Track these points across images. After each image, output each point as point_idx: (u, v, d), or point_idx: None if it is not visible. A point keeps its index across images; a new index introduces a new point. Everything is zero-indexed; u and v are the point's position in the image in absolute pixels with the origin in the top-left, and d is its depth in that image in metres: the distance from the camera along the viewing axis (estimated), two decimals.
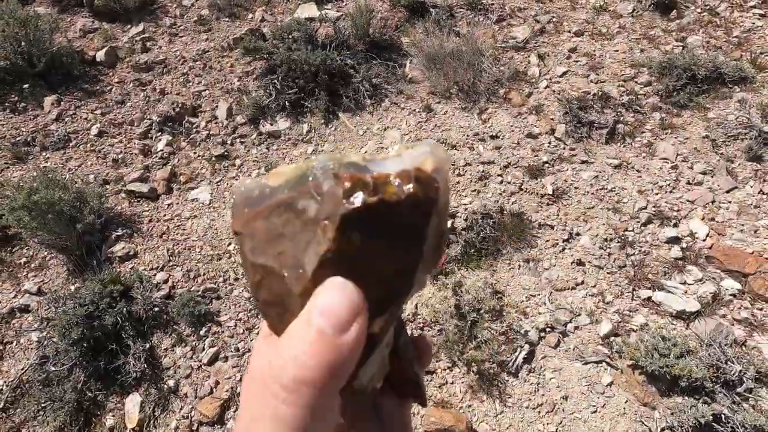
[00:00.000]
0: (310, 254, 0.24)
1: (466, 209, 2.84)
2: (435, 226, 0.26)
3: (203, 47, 3.95)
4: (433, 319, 2.39)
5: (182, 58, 3.87)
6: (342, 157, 0.25)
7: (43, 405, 2.12)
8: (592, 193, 2.93)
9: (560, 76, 3.61)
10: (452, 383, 2.23)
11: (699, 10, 4.06)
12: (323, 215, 0.24)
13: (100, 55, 3.79)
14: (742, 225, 2.70)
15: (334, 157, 0.26)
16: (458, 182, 3.02)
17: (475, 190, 2.95)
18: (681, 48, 3.74)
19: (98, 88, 3.64)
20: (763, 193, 2.82)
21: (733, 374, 2.03)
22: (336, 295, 0.24)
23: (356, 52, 3.74)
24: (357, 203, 0.24)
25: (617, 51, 3.79)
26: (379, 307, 0.25)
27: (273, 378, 0.23)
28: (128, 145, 3.32)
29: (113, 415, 2.14)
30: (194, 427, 2.08)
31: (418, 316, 2.42)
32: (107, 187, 3.04)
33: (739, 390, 2.02)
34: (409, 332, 0.35)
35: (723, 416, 1.94)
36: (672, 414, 2.00)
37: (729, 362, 2.05)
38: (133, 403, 2.13)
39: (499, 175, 3.04)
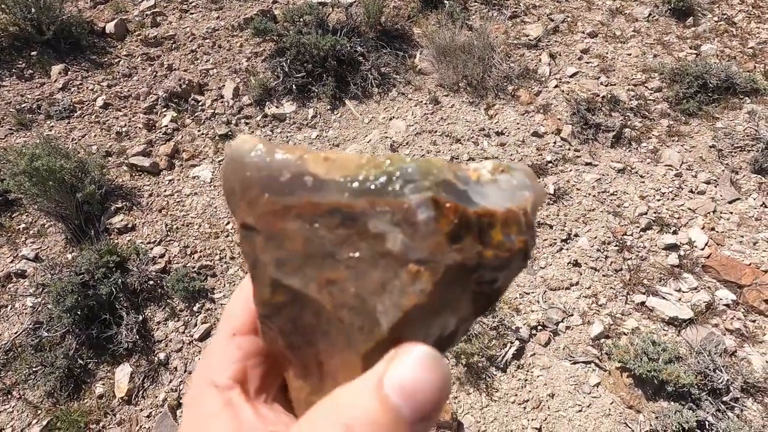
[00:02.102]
0: (387, 302, 0.19)
1: None
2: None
3: (213, 25, 3.92)
4: None
5: (192, 35, 3.85)
6: (432, 167, 0.19)
7: (34, 369, 2.14)
8: (594, 196, 2.92)
9: (570, 77, 3.58)
10: None
11: (716, 19, 4.01)
12: (415, 256, 0.19)
13: (110, 27, 3.77)
14: (742, 236, 2.69)
15: (424, 167, 0.19)
16: None
17: None
18: (695, 56, 3.70)
19: (106, 60, 3.63)
20: (766, 206, 2.81)
21: (721, 383, 2.03)
22: (425, 375, 0.18)
23: (367, 39, 3.71)
24: (467, 256, 0.19)
25: (630, 55, 3.75)
26: None
27: None
28: (133, 119, 3.32)
29: (103, 384, 2.16)
30: (182, 400, 2.10)
31: None
32: (109, 159, 3.04)
33: (725, 399, 2.03)
34: None
35: (707, 423, 1.95)
36: (656, 418, 2.01)
37: (717, 371, 2.06)
38: (123, 373, 2.15)
39: None
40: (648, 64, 3.64)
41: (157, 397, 2.12)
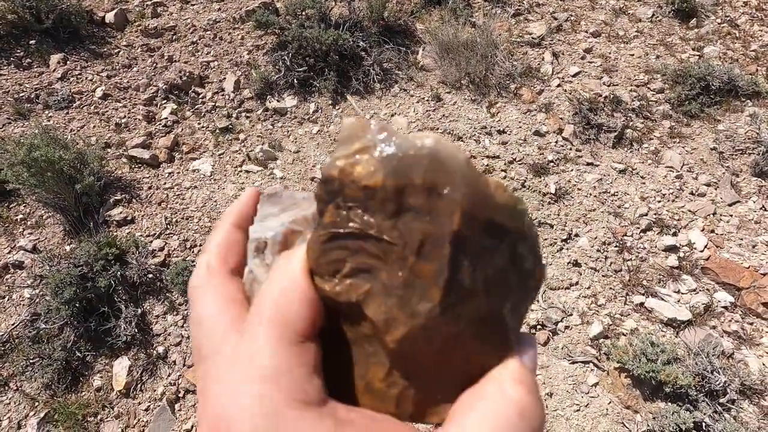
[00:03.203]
0: (523, 308, 0.25)
1: None
2: None
3: (215, 17, 3.89)
4: None
5: (193, 26, 3.81)
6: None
7: (31, 361, 2.13)
8: (595, 196, 2.92)
9: (573, 76, 3.57)
10: None
11: (719, 21, 4.01)
12: (533, 281, 0.25)
13: (110, 17, 3.73)
14: (741, 239, 2.70)
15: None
16: None
17: None
18: (697, 57, 3.70)
19: (105, 50, 3.59)
20: (765, 209, 2.82)
21: (718, 384, 2.04)
22: (535, 350, 0.26)
23: (369, 34, 3.69)
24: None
25: (633, 55, 3.75)
26: None
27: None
28: (132, 110, 3.29)
29: (101, 377, 2.15)
30: (181, 394, 2.10)
31: None
32: (108, 150, 3.02)
33: (722, 400, 2.04)
34: None
35: (704, 424, 1.96)
36: (654, 418, 2.02)
37: (715, 372, 2.07)
38: (121, 366, 2.14)
39: (503, 171, 3.02)
40: (651, 65, 3.64)
41: (155, 390, 2.12)
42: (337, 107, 3.48)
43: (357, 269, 0.23)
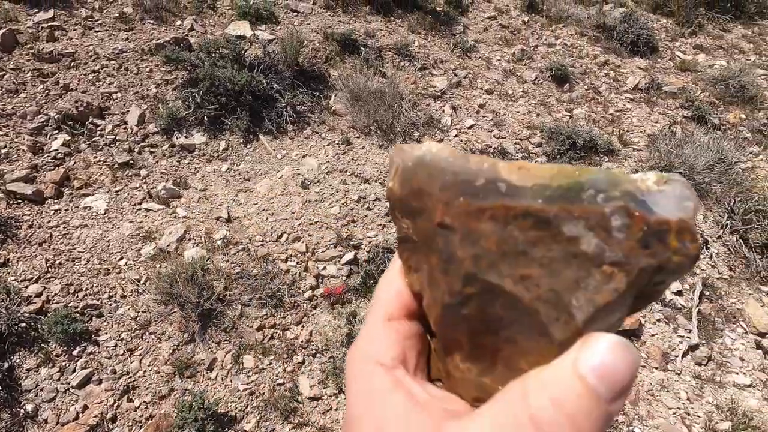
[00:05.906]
0: (581, 298, 0.21)
1: (370, 242, 3.02)
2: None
3: (121, 47, 3.77)
4: (324, 346, 2.48)
5: (95, 54, 3.66)
6: (617, 179, 0.21)
7: None
8: None
9: (468, 128, 4.02)
10: (336, 410, 2.32)
11: (586, 87, 4.79)
12: (609, 259, 0.21)
13: None
14: None
15: (611, 178, 0.21)
16: (366, 216, 3.19)
17: (381, 224, 3.15)
18: (568, 117, 4.37)
19: None
20: None
21: None
22: (619, 361, 0.20)
23: (284, 77, 3.82)
24: (661, 259, 0.21)
25: (518, 112, 4.32)
26: None
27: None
28: (15, 140, 3.04)
29: None
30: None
31: (311, 344, 2.50)
32: None
33: None
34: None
35: None
36: None
37: None
38: None
39: None
40: (532, 122, 4.22)
41: None
42: (248, 146, 3.53)
43: (416, 264, 0.27)
